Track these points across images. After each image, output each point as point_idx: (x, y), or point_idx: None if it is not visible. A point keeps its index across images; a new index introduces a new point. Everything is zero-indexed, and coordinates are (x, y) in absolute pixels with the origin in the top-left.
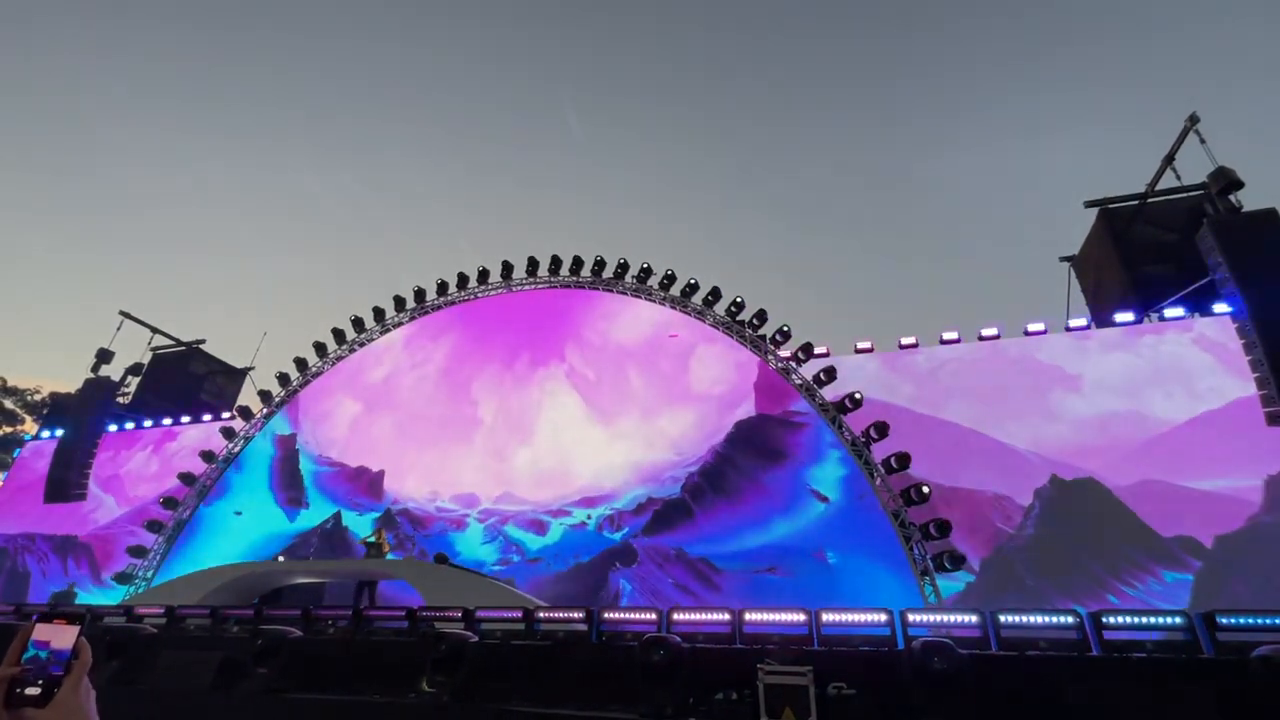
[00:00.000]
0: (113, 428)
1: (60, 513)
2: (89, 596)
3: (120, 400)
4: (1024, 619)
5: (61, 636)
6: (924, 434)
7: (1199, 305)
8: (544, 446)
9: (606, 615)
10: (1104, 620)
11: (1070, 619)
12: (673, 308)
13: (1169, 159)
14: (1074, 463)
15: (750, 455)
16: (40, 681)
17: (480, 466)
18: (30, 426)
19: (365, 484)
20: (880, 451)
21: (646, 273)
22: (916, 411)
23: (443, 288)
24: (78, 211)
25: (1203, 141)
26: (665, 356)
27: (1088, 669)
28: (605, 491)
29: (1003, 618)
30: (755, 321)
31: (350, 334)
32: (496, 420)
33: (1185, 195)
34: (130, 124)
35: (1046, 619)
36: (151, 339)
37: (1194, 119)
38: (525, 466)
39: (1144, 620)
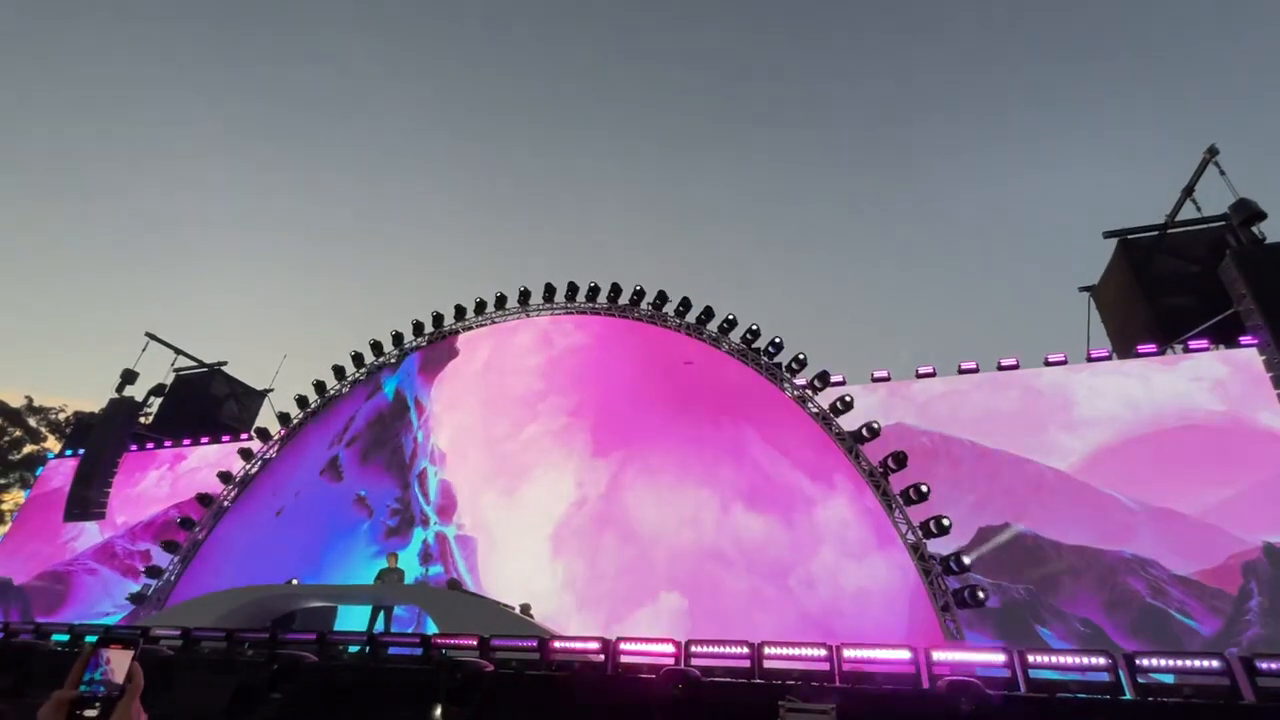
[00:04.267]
0: (134, 448)
1: (41, 539)
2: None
3: (142, 420)
4: (1054, 659)
5: (117, 660)
6: (992, 468)
7: (1224, 337)
8: (503, 517)
9: (624, 646)
10: (1138, 663)
11: (1102, 659)
12: (688, 334)
13: (1188, 190)
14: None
15: None
16: (98, 703)
17: (471, 478)
18: (53, 444)
19: (424, 366)
20: (899, 483)
21: (662, 299)
22: (981, 445)
23: (460, 313)
24: (108, 232)
25: (1222, 173)
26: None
27: (1121, 713)
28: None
29: (1031, 657)
30: (771, 349)
31: (369, 357)
32: (519, 444)
33: (1207, 226)
34: (156, 146)
35: (1077, 660)
36: (175, 360)
37: (1213, 151)
38: (487, 509)
39: (1180, 663)
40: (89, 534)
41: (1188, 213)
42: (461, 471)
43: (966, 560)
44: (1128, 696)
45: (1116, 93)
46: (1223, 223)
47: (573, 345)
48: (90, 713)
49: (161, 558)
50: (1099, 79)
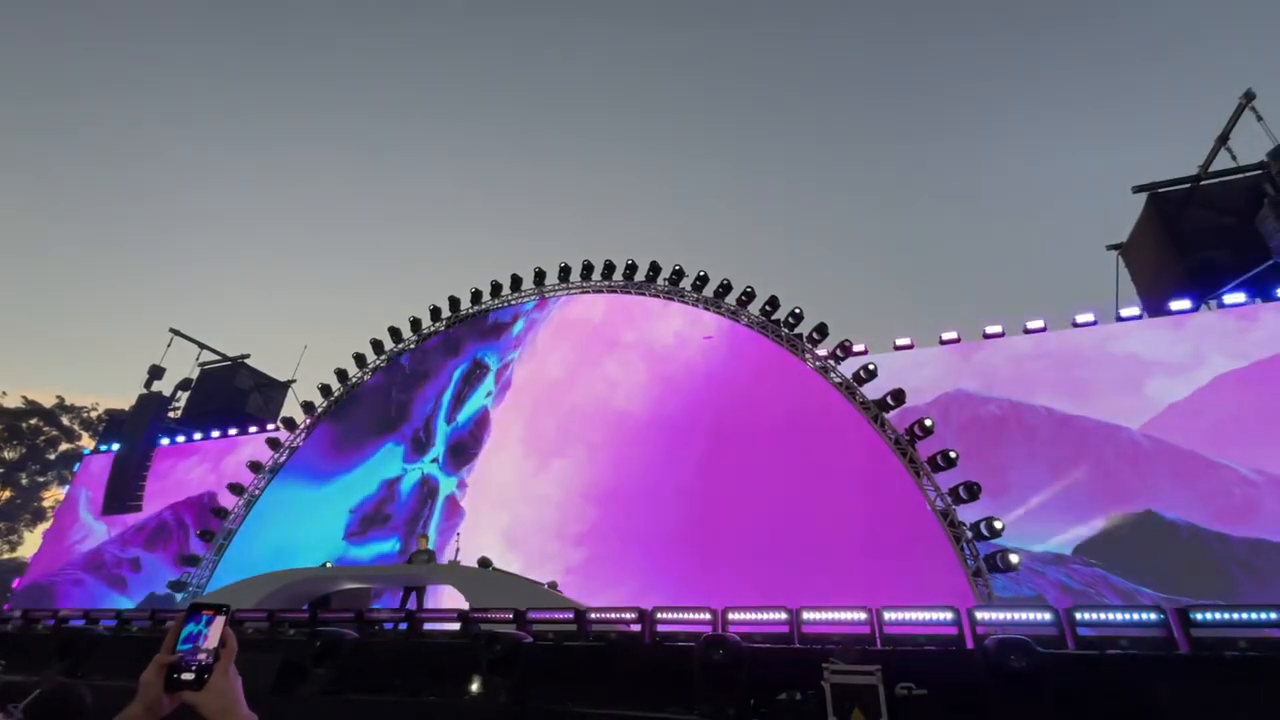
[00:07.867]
0: (165, 441)
1: (65, 536)
2: None
3: (171, 414)
4: (1102, 616)
5: (211, 627)
6: (1076, 436)
7: (1261, 290)
8: (497, 488)
9: (660, 615)
10: (1192, 617)
11: (1154, 615)
12: (705, 309)
13: (1223, 138)
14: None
15: None
16: (194, 667)
17: (512, 431)
18: (88, 442)
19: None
20: (925, 450)
21: (679, 275)
22: (1059, 411)
23: (476, 296)
24: (128, 232)
25: (1259, 118)
26: None
27: (1176, 668)
28: None
29: (1079, 615)
30: (791, 320)
31: (388, 344)
32: (561, 430)
33: (1242, 176)
34: (171, 144)
35: (1127, 615)
36: (199, 355)
37: (1249, 95)
38: (500, 477)
39: (1236, 616)
40: (94, 535)
41: (1222, 163)
42: (507, 420)
43: (998, 525)
44: (1182, 651)
45: (1145, 37)
46: (1259, 171)
47: (674, 373)
48: (187, 675)
49: (148, 563)
50: (1126, 23)
